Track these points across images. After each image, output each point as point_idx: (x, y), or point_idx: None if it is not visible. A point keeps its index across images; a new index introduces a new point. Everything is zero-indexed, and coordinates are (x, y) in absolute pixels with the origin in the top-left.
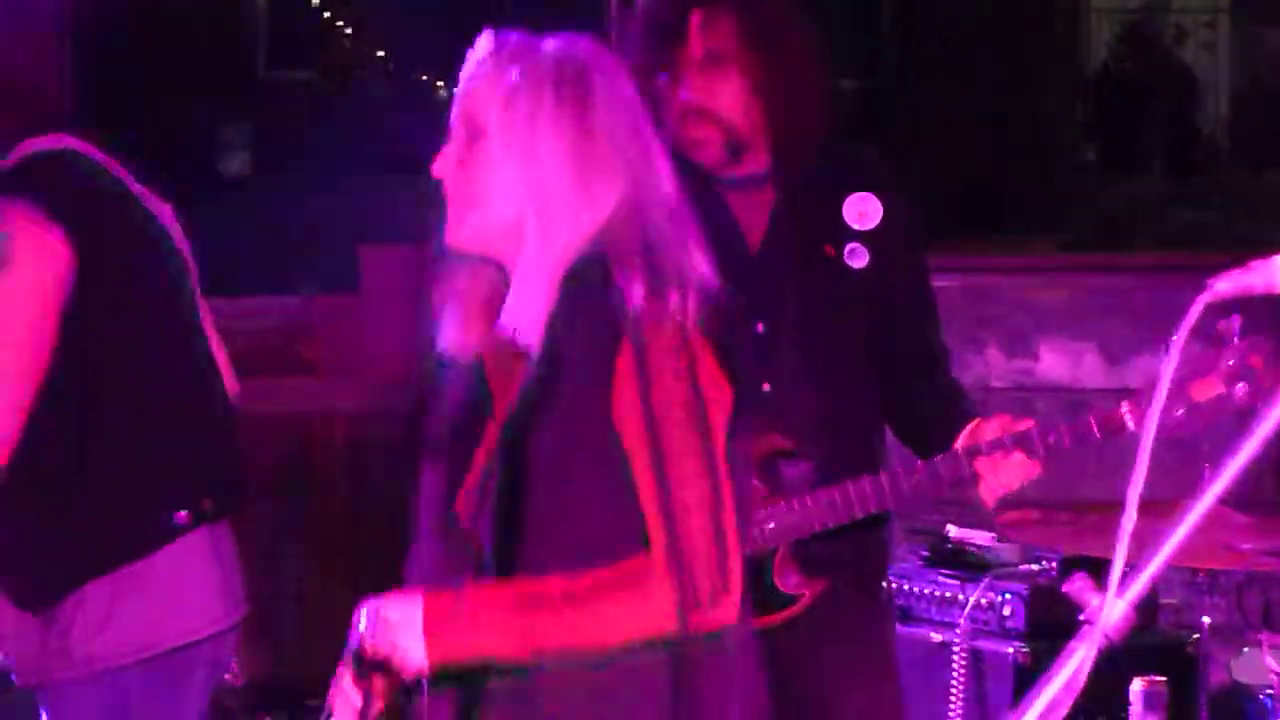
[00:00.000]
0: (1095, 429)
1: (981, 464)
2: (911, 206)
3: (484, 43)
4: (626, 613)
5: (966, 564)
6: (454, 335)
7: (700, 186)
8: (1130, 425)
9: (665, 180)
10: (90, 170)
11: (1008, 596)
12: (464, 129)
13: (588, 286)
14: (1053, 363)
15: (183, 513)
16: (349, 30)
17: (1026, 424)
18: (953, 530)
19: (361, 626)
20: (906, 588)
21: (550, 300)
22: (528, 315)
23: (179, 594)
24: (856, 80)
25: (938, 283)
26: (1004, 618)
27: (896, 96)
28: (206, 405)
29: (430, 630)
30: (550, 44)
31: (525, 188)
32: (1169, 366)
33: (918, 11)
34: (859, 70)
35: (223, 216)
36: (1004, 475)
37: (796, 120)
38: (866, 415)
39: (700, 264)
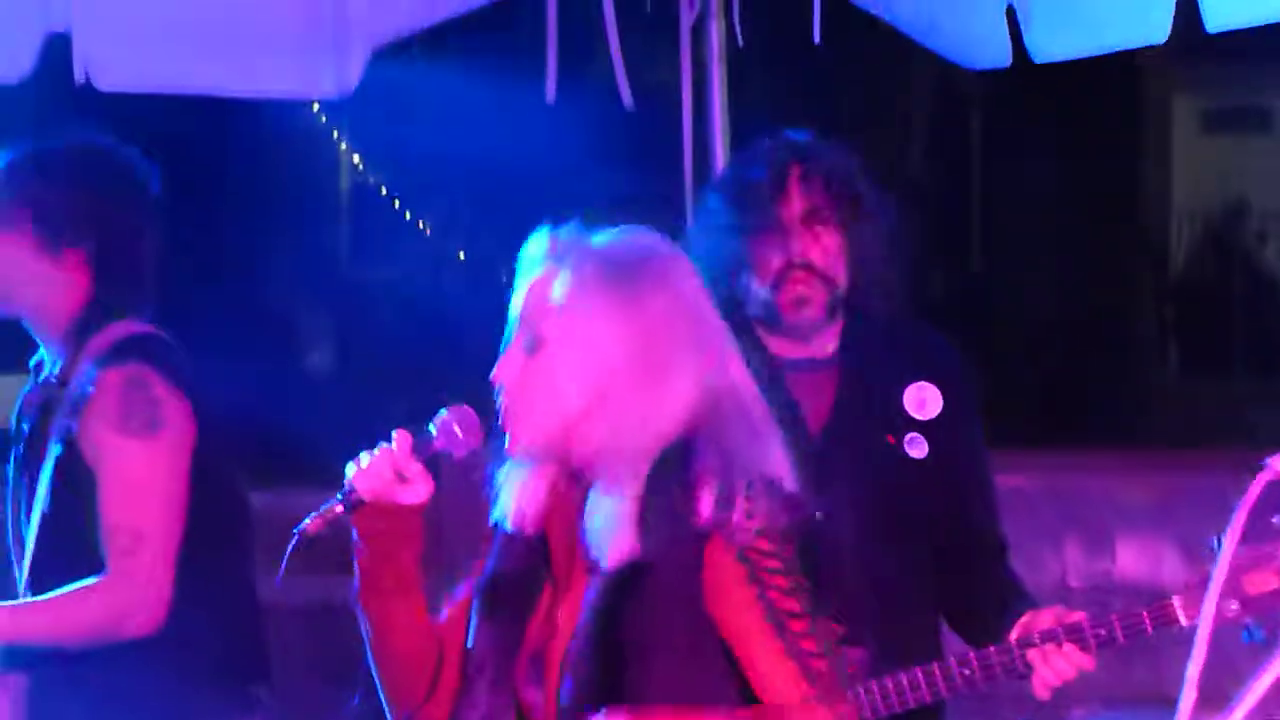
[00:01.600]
0: (1147, 622)
1: (1034, 655)
2: (972, 396)
3: (538, 241)
4: None
5: None
6: (518, 508)
7: (766, 370)
8: (1182, 620)
9: (735, 367)
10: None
11: None
12: (524, 333)
13: (669, 484)
14: (1131, 562)
15: (263, 689)
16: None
17: (1078, 616)
18: None
19: None
20: None
21: (625, 504)
22: (610, 530)
23: None
24: (942, 271)
25: (1015, 480)
26: None
27: (979, 291)
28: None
29: None
30: (601, 240)
31: (589, 394)
32: (1225, 554)
33: (1001, 205)
34: (945, 262)
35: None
36: (1056, 667)
37: (876, 285)
38: (923, 604)
39: (775, 454)
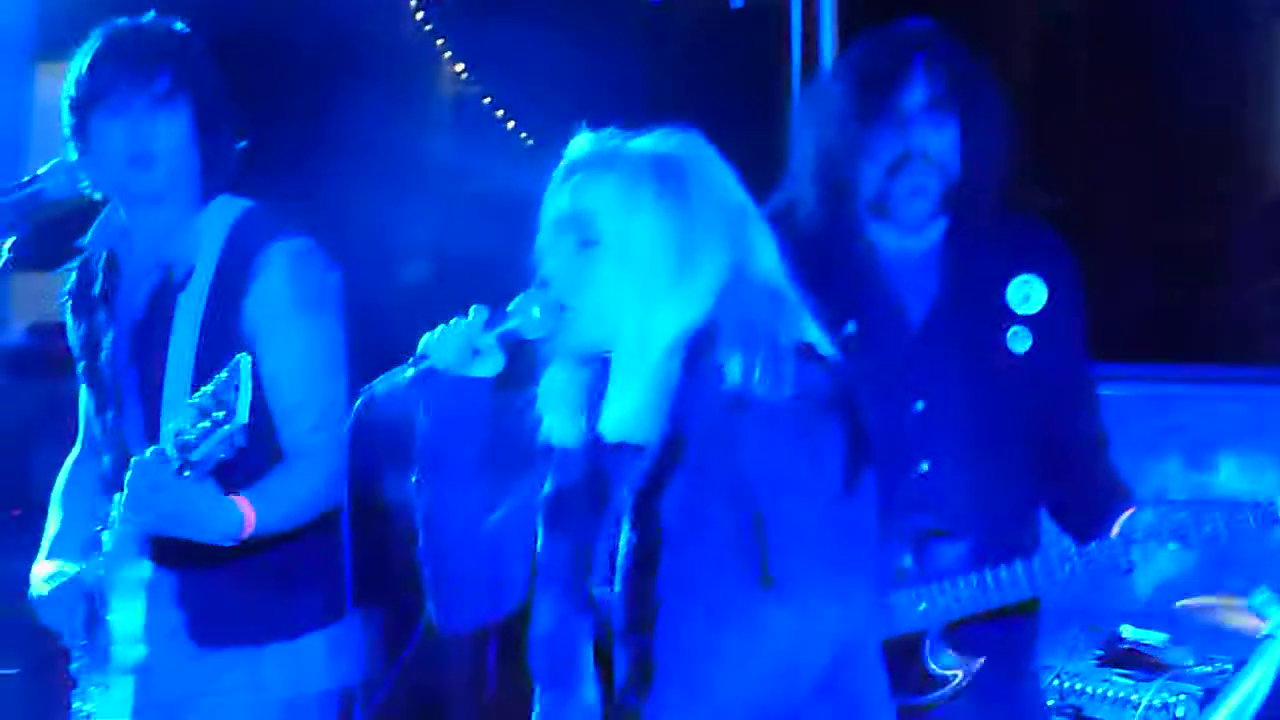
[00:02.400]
0: (1252, 520)
1: (1137, 553)
2: (1077, 291)
3: (581, 145)
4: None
5: (1140, 665)
6: (562, 424)
7: (867, 261)
8: None
9: (765, 253)
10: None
11: (1182, 698)
12: (573, 231)
13: (698, 362)
14: (1232, 475)
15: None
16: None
17: (1182, 513)
18: (1127, 630)
19: None
20: (1080, 688)
21: (658, 386)
22: (636, 405)
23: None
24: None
25: (1117, 391)
26: (1177, 718)
27: (1078, 210)
28: None
29: None
30: (645, 142)
31: (633, 286)
32: None
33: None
34: (1044, 180)
35: None
36: (1159, 565)
37: (988, 178)
38: (1024, 499)
39: (805, 323)
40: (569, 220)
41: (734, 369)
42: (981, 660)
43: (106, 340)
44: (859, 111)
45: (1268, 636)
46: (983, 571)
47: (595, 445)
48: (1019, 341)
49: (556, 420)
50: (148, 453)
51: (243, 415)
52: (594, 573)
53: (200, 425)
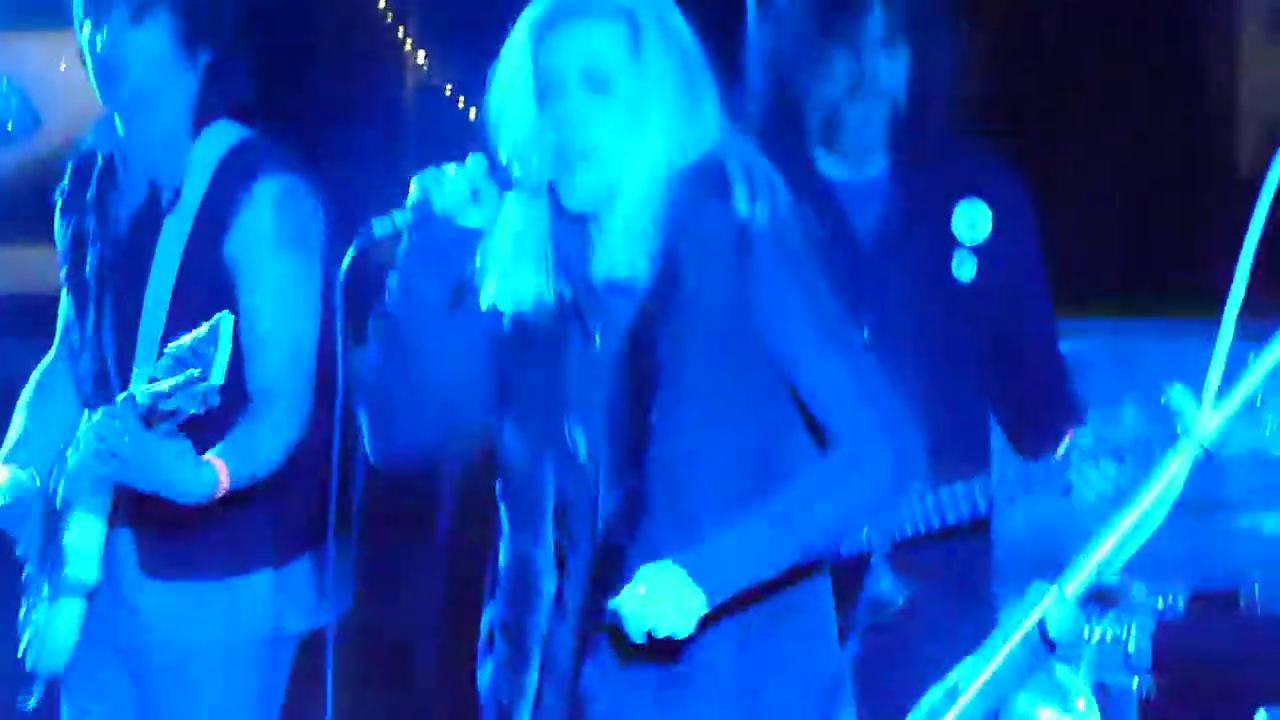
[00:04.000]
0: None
1: (1074, 474)
2: (1027, 216)
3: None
4: (867, 485)
5: (1092, 599)
6: (520, 278)
7: (812, 188)
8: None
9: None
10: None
11: (1134, 631)
12: (581, 83)
13: (708, 200)
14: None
15: None
16: None
17: (1120, 430)
18: None
19: (625, 608)
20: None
21: (658, 222)
22: (635, 240)
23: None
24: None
25: (1081, 344)
26: (1129, 654)
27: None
28: None
29: (699, 575)
30: None
31: (651, 128)
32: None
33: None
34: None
35: None
36: (1094, 485)
37: (935, 105)
38: (972, 425)
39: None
40: (573, 67)
41: (742, 200)
42: (925, 584)
43: (92, 250)
44: (814, 34)
45: (1182, 433)
46: (924, 492)
47: (570, 294)
48: (964, 269)
49: (516, 280)
50: (119, 400)
51: (218, 376)
52: (570, 410)
53: (175, 378)
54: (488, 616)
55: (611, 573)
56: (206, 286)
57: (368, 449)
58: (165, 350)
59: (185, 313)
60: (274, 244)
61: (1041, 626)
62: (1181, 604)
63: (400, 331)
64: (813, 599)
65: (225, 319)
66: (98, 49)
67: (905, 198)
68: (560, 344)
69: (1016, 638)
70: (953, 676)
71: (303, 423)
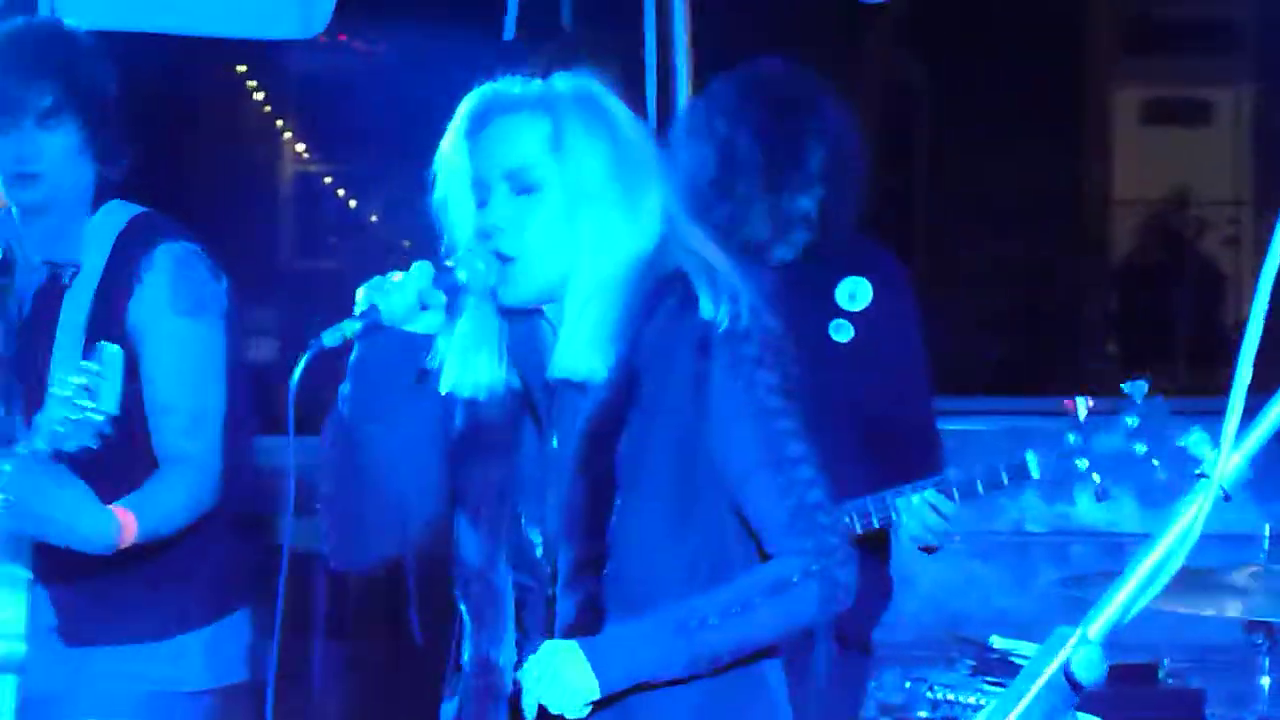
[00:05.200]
0: (1004, 476)
1: (901, 503)
2: (904, 289)
3: (483, 94)
4: (785, 612)
5: (1011, 673)
6: (476, 373)
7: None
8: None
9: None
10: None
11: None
12: (503, 182)
13: (669, 303)
14: (1090, 507)
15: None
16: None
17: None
18: (997, 640)
19: (524, 680)
20: (953, 699)
21: (618, 323)
22: (590, 341)
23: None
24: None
25: (976, 426)
26: None
27: (922, 281)
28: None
29: (598, 664)
30: (553, 83)
31: (583, 225)
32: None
33: (943, 196)
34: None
35: None
36: (918, 514)
37: (843, 226)
38: (844, 489)
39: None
40: (497, 170)
41: (706, 304)
42: None
43: (2, 334)
44: (761, 163)
45: (1201, 475)
46: None
47: (522, 388)
48: (841, 332)
49: (471, 368)
50: (19, 449)
51: (109, 404)
52: (526, 508)
53: (69, 417)
54: (447, 713)
55: None
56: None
57: (327, 553)
58: (51, 393)
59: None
60: (172, 310)
61: (1066, 669)
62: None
63: (353, 436)
64: (772, 673)
65: (110, 349)
66: (3, 157)
67: (797, 275)
68: (515, 440)
69: (1041, 681)
70: (980, 719)
71: (213, 486)
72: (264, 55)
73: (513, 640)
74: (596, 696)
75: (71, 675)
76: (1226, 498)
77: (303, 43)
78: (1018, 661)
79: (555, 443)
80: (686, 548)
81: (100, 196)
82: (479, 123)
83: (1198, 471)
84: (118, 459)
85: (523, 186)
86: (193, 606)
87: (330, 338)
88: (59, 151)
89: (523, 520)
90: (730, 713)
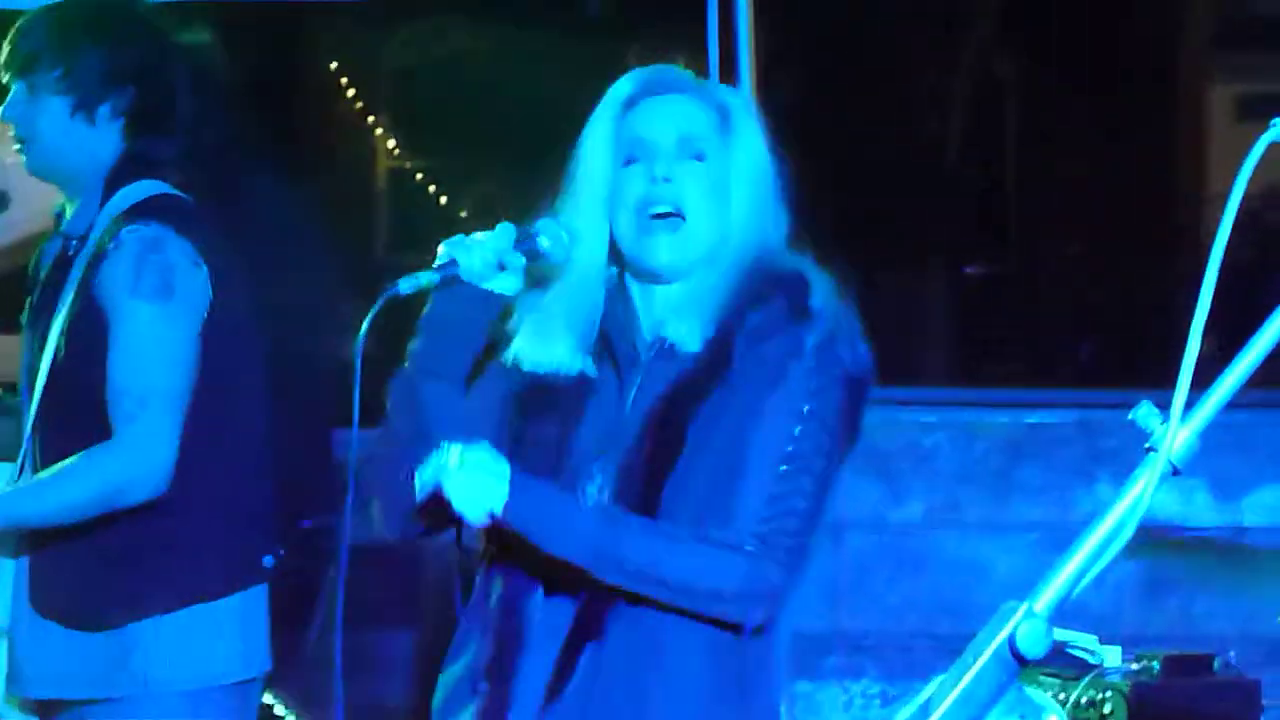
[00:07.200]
0: None
1: None
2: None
3: (663, 71)
4: (704, 565)
5: (1068, 663)
6: (555, 356)
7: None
8: None
9: None
10: (204, 226)
11: (1109, 695)
12: (677, 146)
13: (780, 299)
14: (1164, 500)
15: (270, 557)
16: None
17: None
18: (1055, 632)
19: (449, 459)
20: None
21: (731, 305)
22: (705, 316)
23: (248, 633)
24: (980, 257)
25: (1048, 417)
26: (1105, 716)
27: (1016, 279)
28: (274, 455)
29: (515, 488)
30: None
31: (733, 201)
32: (1233, 206)
33: (1035, 193)
34: (980, 251)
35: None
36: None
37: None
38: None
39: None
40: (672, 132)
41: (815, 310)
42: None
43: (29, 300)
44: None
45: (1149, 449)
46: None
47: (610, 346)
48: None
49: (549, 349)
50: None
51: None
52: (583, 468)
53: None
54: (465, 662)
55: (595, 625)
56: (88, 327)
57: (379, 521)
58: None
59: (71, 352)
60: (127, 292)
61: (1012, 643)
62: (1157, 667)
63: (418, 395)
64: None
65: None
66: (9, 114)
67: None
68: (587, 397)
69: (987, 654)
70: (925, 693)
71: (151, 472)
72: (357, 52)
73: (540, 591)
74: (497, 513)
75: (38, 645)
76: (1175, 472)
77: (396, 40)
78: (1073, 651)
79: (629, 405)
80: (729, 519)
81: (128, 174)
82: (650, 89)
83: (1146, 446)
84: (84, 431)
85: (695, 152)
86: (147, 593)
87: (407, 284)
88: (49, 120)
89: (582, 475)
90: (740, 688)
